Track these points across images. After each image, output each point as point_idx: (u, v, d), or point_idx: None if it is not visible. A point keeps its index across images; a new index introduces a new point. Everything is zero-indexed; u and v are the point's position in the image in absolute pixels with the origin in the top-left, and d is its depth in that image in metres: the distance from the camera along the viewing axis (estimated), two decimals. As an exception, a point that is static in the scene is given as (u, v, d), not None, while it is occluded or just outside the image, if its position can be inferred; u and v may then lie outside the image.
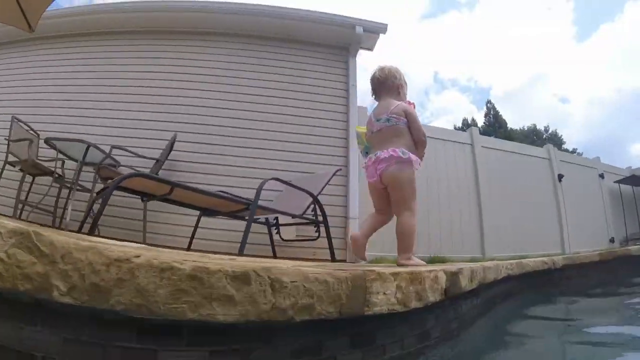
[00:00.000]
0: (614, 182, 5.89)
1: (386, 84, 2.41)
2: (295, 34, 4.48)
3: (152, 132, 3.90)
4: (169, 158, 3.69)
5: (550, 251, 4.66)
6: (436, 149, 4.54)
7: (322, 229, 3.17)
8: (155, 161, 3.39)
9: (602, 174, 5.77)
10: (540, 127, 33.60)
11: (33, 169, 3.37)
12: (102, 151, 3.21)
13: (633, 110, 53.86)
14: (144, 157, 3.47)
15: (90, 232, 1.98)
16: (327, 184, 3.11)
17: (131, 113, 4.09)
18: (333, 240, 3.60)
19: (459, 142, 4.71)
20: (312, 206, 3.02)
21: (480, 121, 34.01)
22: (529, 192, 4.89)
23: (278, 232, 3.30)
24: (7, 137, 3.35)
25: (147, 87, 4.19)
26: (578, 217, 5.17)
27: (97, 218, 2.06)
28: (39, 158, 3.47)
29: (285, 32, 4.48)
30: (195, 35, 4.48)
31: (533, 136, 31.69)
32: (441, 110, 66.10)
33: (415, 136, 2.24)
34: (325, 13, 4.41)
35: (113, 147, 3.28)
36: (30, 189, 3.55)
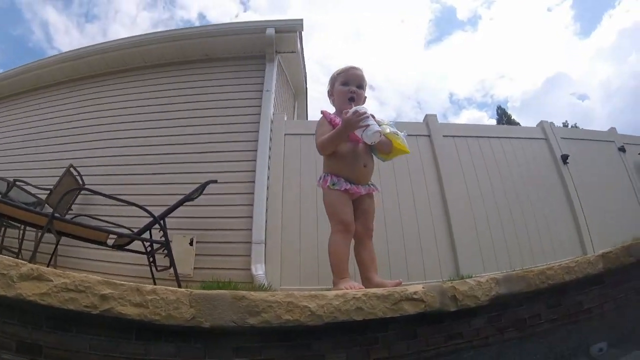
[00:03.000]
0: (640, 154, 4.50)
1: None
2: (211, 52, 4.32)
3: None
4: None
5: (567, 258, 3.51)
6: None
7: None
8: (49, 192, 3.38)
9: (623, 146, 4.44)
10: (559, 124, 29.94)
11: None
12: (16, 186, 3.35)
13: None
14: (39, 188, 3.56)
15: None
16: (185, 200, 2.63)
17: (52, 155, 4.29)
18: (236, 271, 3.13)
19: (412, 135, 3.89)
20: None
21: (494, 129, 31.78)
22: (523, 186, 3.83)
23: (153, 260, 2.88)
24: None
25: (59, 129, 4.44)
26: (598, 207, 3.93)
27: None
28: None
29: (201, 51, 4.32)
30: (109, 75, 4.55)
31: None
32: (462, 129, 64.25)
33: None
34: (238, 22, 4.20)
35: (15, 180, 3.39)
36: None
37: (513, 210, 3.64)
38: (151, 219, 2.54)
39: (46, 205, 3.31)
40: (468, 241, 3.38)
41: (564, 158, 4.01)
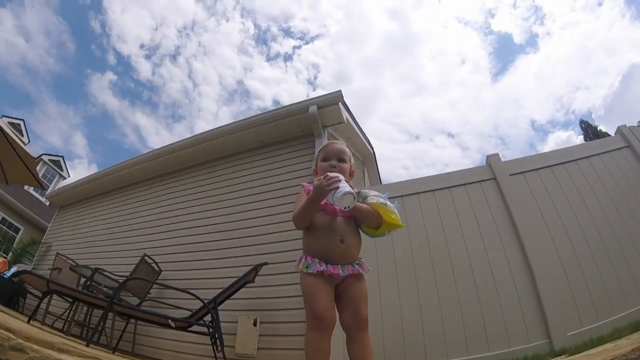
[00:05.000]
0: None
1: None
2: (265, 137, 4.78)
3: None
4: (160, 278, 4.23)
5: None
6: (436, 202, 3.68)
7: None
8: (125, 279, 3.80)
9: None
10: (649, 119, 25.70)
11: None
12: (99, 273, 3.96)
13: None
14: (117, 275, 4.13)
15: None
16: (238, 284, 2.77)
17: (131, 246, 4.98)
18: (297, 351, 3.17)
19: (472, 183, 3.69)
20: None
21: (581, 146, 28.49)
22: (615, 211, 3.27)
23: (214, 344, 2.95)
24: (50, 267, 4.82)
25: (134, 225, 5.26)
26: None
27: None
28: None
29: (256, 139, 4.77)
30: (180, 171, 5.29)
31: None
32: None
33: None
34: (283, 107, 4.67)
35: (97, 269, 3.99)
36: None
37: (608, 243, 3.10)
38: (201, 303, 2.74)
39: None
40: (557, 292, 2.92)
41: (661, 166, 3.47)
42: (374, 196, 1.75)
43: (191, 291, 3.72)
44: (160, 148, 5.41)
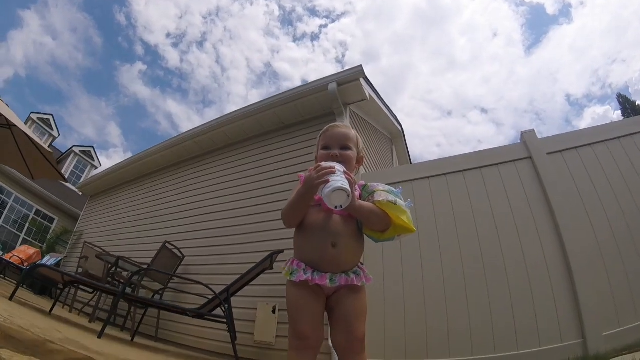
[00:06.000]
0: None
1: None
2: (285, 118, 4.70)
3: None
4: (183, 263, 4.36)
5: None
6: (465, 183, 3.46)
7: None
8: (147, 266, 4.04)
9: None
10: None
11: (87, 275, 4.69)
12: (123, 260, 4.12)
13: None
14: (137, 262, 4.28)
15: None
16: (253, 273, 2.77)
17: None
18: None
19: (505, 163, 3.44)
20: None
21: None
22: None
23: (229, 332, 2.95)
24: (79, 256, 5.17)
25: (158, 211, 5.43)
26: None
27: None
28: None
29: (276, 120, 4.70)
30: (202, 156, 5.45)
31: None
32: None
33: None
34: (302, 86, 4.58)
35: (119, 257, 4.10)
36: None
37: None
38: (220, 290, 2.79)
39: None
40: (594, 285, 2.68)
41: None
42: (383, 192, 1.47)
43: (212, 276, 3.83)
44: (181, 134, 5.49)
